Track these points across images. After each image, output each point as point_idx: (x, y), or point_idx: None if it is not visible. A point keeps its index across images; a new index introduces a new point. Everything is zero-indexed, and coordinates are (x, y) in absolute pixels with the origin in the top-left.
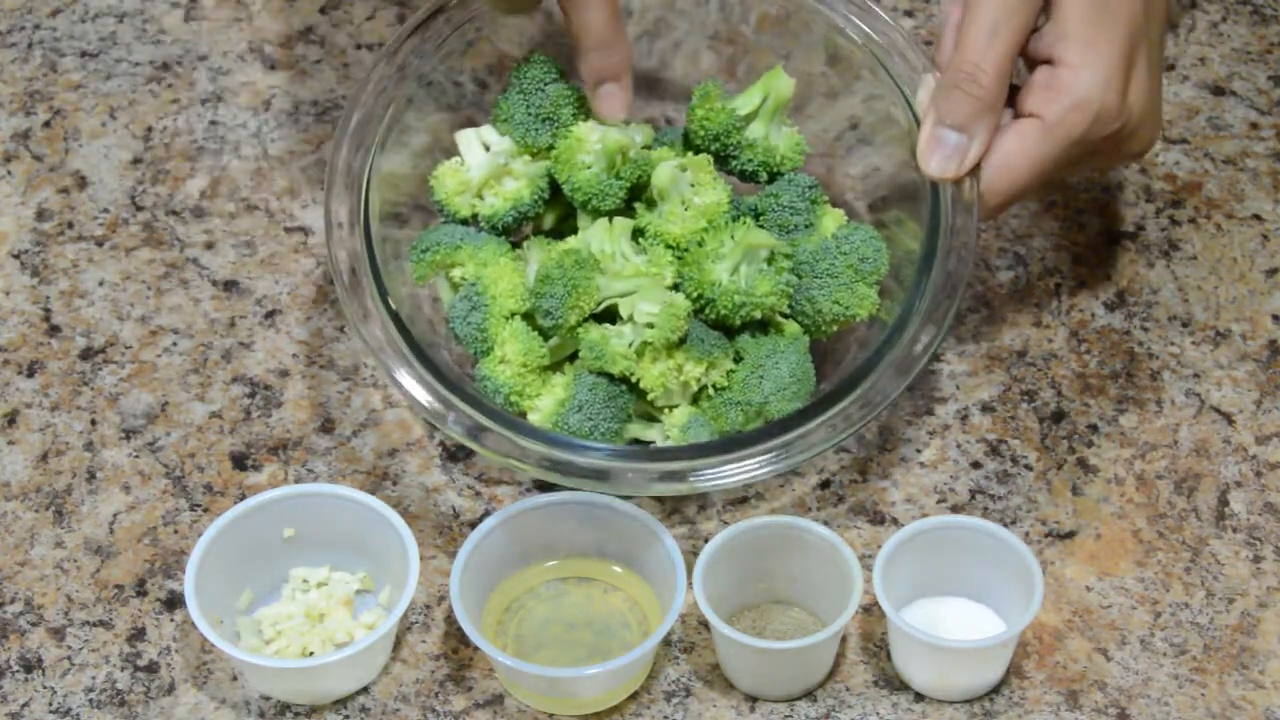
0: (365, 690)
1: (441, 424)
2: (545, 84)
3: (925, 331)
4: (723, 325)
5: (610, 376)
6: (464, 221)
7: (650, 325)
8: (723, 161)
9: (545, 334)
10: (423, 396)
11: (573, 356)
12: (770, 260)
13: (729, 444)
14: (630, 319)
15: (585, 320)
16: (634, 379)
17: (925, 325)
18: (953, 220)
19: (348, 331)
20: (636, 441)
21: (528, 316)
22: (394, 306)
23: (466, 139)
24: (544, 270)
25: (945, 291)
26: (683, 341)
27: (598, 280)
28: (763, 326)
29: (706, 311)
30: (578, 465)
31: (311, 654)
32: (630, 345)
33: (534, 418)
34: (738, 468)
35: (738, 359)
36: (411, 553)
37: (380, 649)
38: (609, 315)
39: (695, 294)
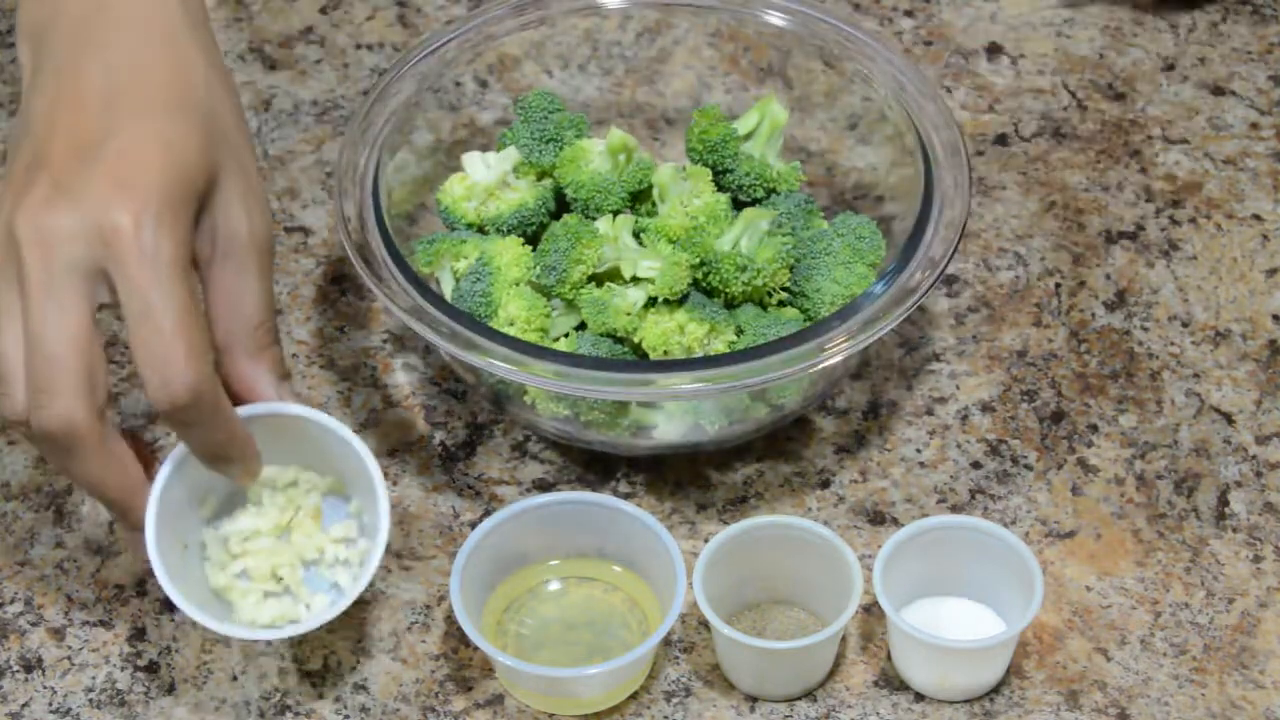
0: (365, 690)
1: (484, 365)
2: (549, 113)
3: (919, 272)
4: (725, 302)
5: (613, 337)
6: (469, 227)
7: (653, 282)
8: (721, 177)
9: (550, 296)
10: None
11: (578, 330)
12: (771, 234)
13: (716, 358)
14: (633, 279)
15: (588, 283)
16: (636, 339)
17: (920, 267)
18: (948, 177)
19: (348, 330)
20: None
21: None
22: (414, 268)
23: (472, 160)
24: (547, 233)
25: (945, 238)
26: (684, 301)
27: (602, 248)
28: (764, 309)
29: (709, 278)
30: (589, 376)
31: (281, 579)
32: (634, 304)
33: None
34: (722, 385)
35: (739, 333)
36: (374, 473)
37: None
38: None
39: (698, 260)
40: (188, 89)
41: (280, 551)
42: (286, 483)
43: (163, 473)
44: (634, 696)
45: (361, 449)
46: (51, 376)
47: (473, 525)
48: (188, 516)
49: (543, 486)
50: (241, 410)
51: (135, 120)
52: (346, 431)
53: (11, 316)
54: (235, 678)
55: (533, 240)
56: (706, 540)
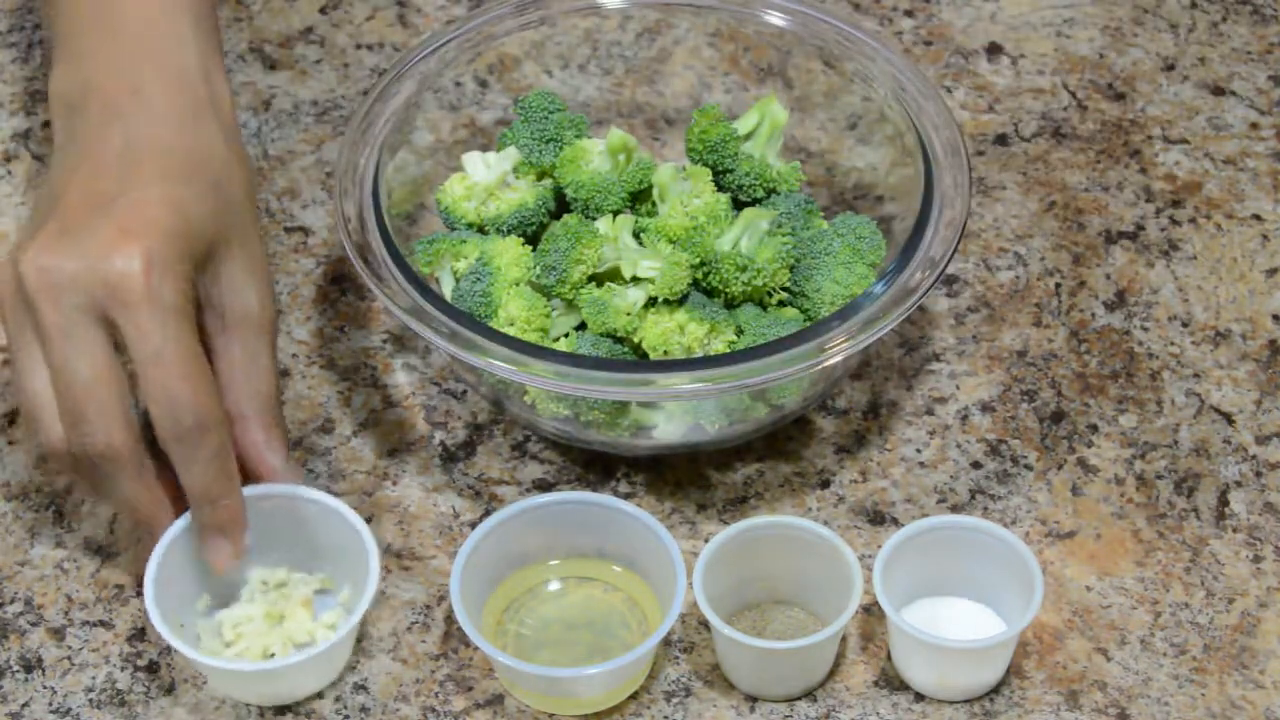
0: (365, 690)
1: (484, 365)
2: (550, 113)
3: (919, 272)
4: (725, 302)
5: (613, 337)
6: (469, 227)
7: (653, 282)
8: (721, 177)
9: (550, 296)
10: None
11: (578, 330)
12: (771, 234)
13: (716, 358)
14: (633, 279)
15: (588, 282)
16: (636, 339)
17: (920, 267)
18: (948, 177)
19: (348, 330)
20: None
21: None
22: (414, 268)
23: (472, 160)
24: (547, 233)
25: (945, 238)
26: (684, 301)
27: (601, 248)
28: (764, 309)
29: (709, 278)
30: (589, 376)
31: (273, 655)
32: (634, 304)
33: None
34: (722, 385)
35: (739, 333)
36: (370, 549)
37: (339, 652)
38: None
39: (698, 260)
40: (204, 162)
41: (272, 633)
42: (277, 582)
43: (180, 523)
44: (634, 696)
45: (362, 529)
46: (86, 407)
47: (473, 525)
48: (185, 603)
49: (543, 486)
50: (248, 490)
51: (149, 181)
52: (349, 512)
53: (33, 356)
54: None
55: (533, 240)
56: (706, 540)
